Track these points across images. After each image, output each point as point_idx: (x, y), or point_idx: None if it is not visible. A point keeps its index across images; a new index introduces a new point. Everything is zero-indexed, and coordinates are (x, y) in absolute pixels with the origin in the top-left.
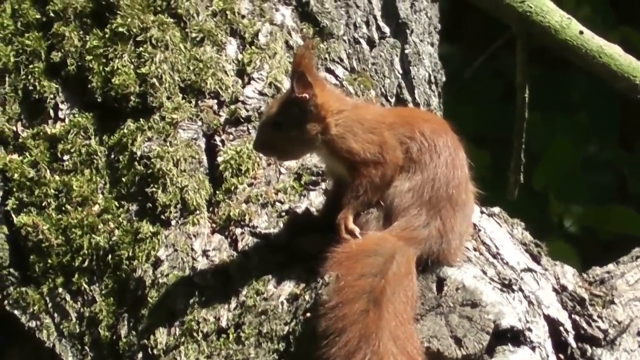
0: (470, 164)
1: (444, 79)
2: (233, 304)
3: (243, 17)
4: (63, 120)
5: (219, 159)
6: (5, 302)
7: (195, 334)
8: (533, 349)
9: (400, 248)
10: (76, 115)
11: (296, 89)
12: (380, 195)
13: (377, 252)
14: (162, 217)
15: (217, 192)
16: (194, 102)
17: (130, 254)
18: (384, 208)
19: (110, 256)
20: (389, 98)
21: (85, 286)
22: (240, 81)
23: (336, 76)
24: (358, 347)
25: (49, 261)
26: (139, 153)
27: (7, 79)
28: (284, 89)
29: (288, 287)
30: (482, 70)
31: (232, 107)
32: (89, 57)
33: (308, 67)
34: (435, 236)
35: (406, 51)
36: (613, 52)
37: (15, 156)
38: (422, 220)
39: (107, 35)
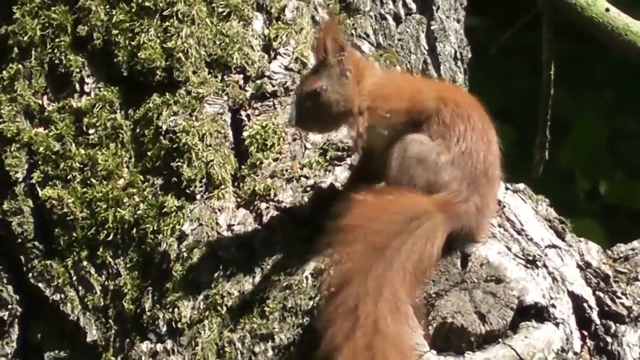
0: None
1: (469, 55)
2: (257, 278)
3: None
4: (89, 94)
5: (245, 134)
6: (30, 274)
7: (219, 308)
8: (557, 325)
9: (431, 213)
10: (102, 89)
11: (330, 53)
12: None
13: (404, 211)
14: (187, 191)
15: (242, 166)
16: (219, 77)
17: (155, 227)
18: (425, 181)
19: (135, 230)
20: (414, 74)
21: (110, 259)
22: (266, 56)
23: (362, 52)
24: (355, 306)
25: (74, 234)
26: (164, 127)
27: (33, 52)
28: (310, 65)
29: (312, 261)
30: (509, 44)
31: (258, 82)
32: (115, 31)
33: (337, 34)
34: (473, 213)
35: (432, 27)
36: (639, 30)
37: (40, 129)
38: (463, 196)
39: (133, 10)
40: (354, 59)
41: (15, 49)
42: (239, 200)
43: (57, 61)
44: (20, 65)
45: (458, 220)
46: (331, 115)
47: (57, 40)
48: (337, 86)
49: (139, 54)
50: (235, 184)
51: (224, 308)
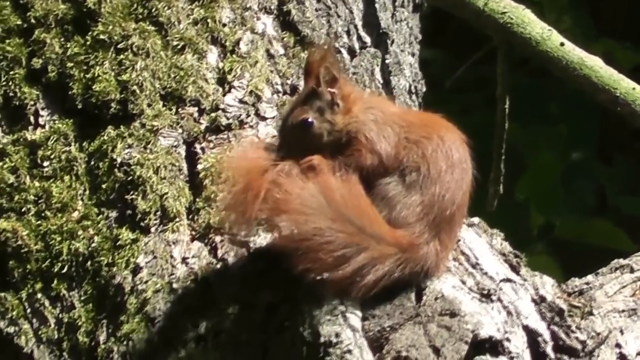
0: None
1: (424, 89)
2: (212, 312)
3: (224, 25)
4: (43, 126)
5: (199, 167)
6: None
7: (173, 341)
8: (511, 359)
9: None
10: (56, 122)
11: (322, 83)
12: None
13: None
14: (142, 224)
15: (197, 199)
16: (174, 110)
17: (110, 260)
18: (386, 214)
19: (89, 262)
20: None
21: (64, 292)
22: (220, 89)
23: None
24: None
25: (28, 267)
26: (119, 160)
27: None
28: (265, 98)
29: (266, 295)
30: (465, 78)
31: (213, 115)
32: (69, 64)
33: (331, 63)
34: (432, 255)
35: (387, 61)
36: (594, 64)
37: None
38: (424, 239)
39: (88, 43)
40: (344, 92)
41: None
42: (193, 233)
43: (11, 94)
44: None
45: (416, 262)
46: (321, 145)
47: (11, 72)
48: (327, 117)
49: (93, 87)
50: (190, 216)
51: (179, 341)
